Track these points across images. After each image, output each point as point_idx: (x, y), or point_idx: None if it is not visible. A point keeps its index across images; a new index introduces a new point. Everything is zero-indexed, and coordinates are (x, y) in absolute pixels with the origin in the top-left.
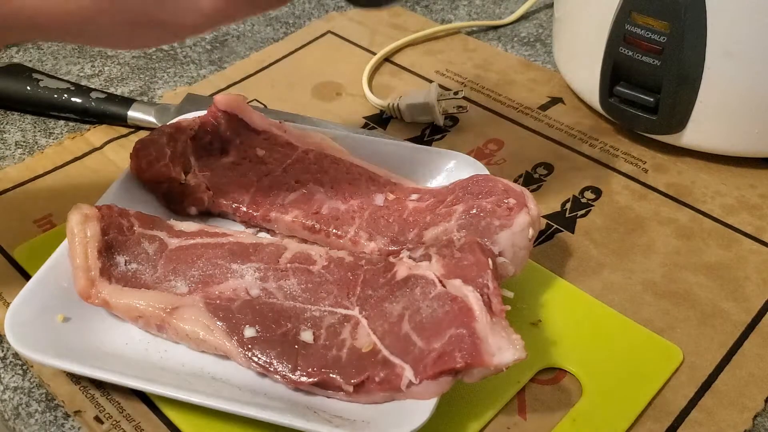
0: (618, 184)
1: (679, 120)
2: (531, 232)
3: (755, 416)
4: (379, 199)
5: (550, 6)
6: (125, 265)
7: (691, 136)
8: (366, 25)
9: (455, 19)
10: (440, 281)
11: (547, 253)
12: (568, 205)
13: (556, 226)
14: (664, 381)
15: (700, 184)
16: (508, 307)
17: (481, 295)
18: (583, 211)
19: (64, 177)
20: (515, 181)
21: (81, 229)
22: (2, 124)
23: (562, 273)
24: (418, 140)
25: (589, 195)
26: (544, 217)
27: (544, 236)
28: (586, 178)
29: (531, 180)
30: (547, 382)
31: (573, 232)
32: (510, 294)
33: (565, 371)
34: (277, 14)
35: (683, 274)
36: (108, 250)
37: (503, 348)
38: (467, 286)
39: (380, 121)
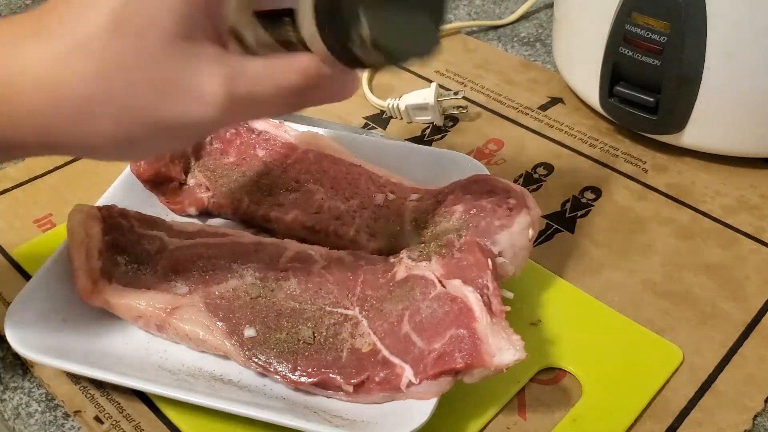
0: (618, 184)
1: (679, 120)
2: (531, 232)
3: (755, 416)
4: (379, 199)
5: (550, 6)
6: (125, 265)
7: (691, 136)
8: None
9: (455, 19)
10: (440, 281)
11: (547, 253)
12: (568, 205)
13: (556, 226)
14: (664, 381)
15: (700, 184)
16: (508, 308)
17: (481, 296)
18: (583, 211)
19: (64, 177)
20: (515, 181)
21: (82, 230)
22: None
23: (562, 273)
24: (418, 140)
25: (589, 195)
26: (544, 217)
27: (544, 236)
28: (586, 178)
29: (531, 180)
30: (547, 382)
31: (573, 232)
32: (510, 294)
33: (565, 371)
34: None
35: (683, 274)
36: (108, 250)
37: (503, 348)
38: (467, 287)
39: (380, 121)
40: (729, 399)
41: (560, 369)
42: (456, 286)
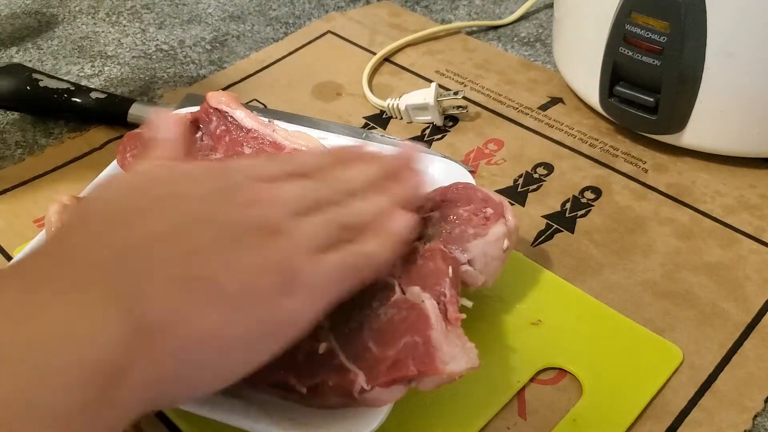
0: (618, 184)
1: (679, 120)
2: (506, 243)
3: (755, 416)
4: None
5: (550, 6)
6: None
7: (691, 136)
8: (366, 25)
9: (455, 19)
10: (401, 288)
11: (547, 253)
12: (568, 205)
13: (556, 226)
14: (664, 381)
15: (700, 184)
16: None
17: (438, 303)
18: (583, 211)
19: (64, 177)
20: (515, 181)
21: (58, 219)
22: (2, 124)
23: (562, 273)
24: (418, 140)
25: (589, 195)
26: (544, 216)
27: (544, 236)
28: (586, 178)
29: (531, 180)
30: (547, 382)
31: (573, 232)
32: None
33: (565, 371)
34: (277, 14)
35: (683, 274)
36: None
37: (457, 356)
38: (425, 294)
39: (380, 121)
40: (729, 399)
41: (560, 369)
42: (415, 292)
